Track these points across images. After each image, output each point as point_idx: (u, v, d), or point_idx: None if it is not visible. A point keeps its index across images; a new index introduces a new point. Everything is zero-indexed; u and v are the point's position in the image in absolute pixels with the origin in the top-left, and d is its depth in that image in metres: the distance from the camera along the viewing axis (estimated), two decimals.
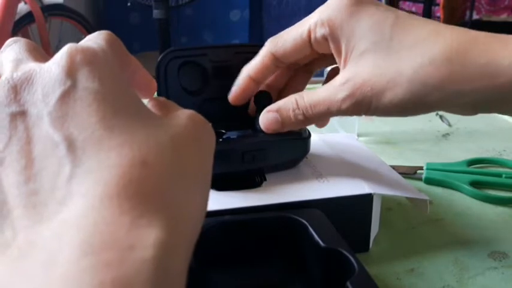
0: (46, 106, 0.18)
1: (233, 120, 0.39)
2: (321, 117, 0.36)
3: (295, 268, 0.34)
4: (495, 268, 0.37)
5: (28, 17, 2.21)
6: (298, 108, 0.36)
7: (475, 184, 0.50)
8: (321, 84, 0.38)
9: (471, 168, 0.54)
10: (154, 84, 0.26)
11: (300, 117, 0.36)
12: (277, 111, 0.36)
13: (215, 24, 3.46)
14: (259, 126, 0.37)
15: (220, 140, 0.37)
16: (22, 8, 2.19)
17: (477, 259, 0.38)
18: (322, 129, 0.59)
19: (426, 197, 0.39)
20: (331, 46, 0.35)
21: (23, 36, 2.22)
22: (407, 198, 0.40)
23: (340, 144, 0.46)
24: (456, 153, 0.59)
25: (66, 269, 0.14)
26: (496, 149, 0.61)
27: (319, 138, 0.47)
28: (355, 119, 0.62)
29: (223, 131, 0.38)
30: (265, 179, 0.38)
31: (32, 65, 0.20)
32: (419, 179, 0.52)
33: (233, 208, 0.34)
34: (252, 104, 0.41)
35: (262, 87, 0.40)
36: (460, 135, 0.66)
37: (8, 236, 0.17)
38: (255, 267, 0.34)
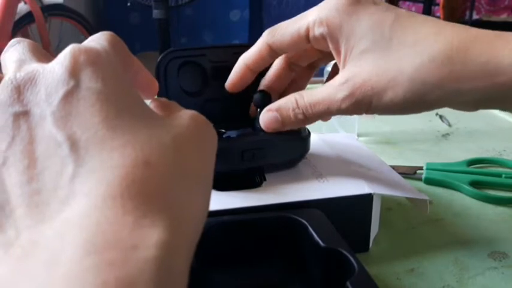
0: (49, 106, 0.18)
1: (233, 121, 0.39)
2: (321, 117, 0.36)
3: (295, 268, 0.34)
4: (495, 268, 0.37)
5: (28, 17, 2.21)
6: (298, 108, 0.36)
7: (475, 184, 0.50)
8: (321, 84, 0.38)
9: (471, 168, 0.54)
10: (156, 85, 0.26)
11: (300, 116, 0.36)
12: (277, 110, 0.36)
13: (215, 24, 3.46)
14: (259, 126, 0.37)
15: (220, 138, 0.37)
16: (22, 8, 2.19)
17: (477, 259, 0.39)
18: (322, 129, 0.59)
19: (426, 197, 0.39)
20: (330, 45, 0.35)
21: (23, 36, 2.22)
22: (407, 198, 0.40)
23: (340, 144, 0.46)
24: (456, 153, 0.59)
25: (69, 268, 0.14)
26: (496, 149, 0.61)
27: (319, 138, 0.47)
28: (355, 119, 0.62)
29: (223, 131, 0.38)
30: (265, 179, 0.38)
31: (35, 66, 0.20)
32: (419, 179, 0.52)
33: (233, 208, 0.34)
34: (253, 106, 0.41)
35: (264, 88, 0.40)
36: (460, 135, 0.66)
37: (10, 236, 0.17)
38: (255, 267, 0.34)
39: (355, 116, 0.60)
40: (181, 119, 0.21)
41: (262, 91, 0.40)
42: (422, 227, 0.43)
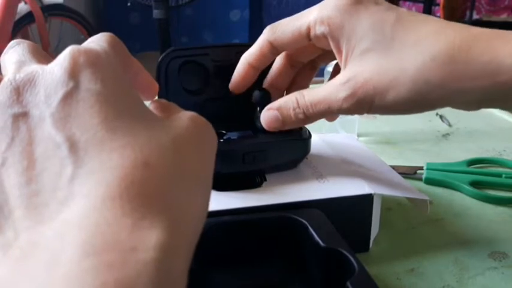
0: (48, 107, 0.18)
1: (234, 121, 0.39)
2: (322, 116, 0.36)
3: (295, 268, 0.34)
4: (495, 268, 0.37)
5: (28, 17, 2.21)
6: (299, 107, 0.36)
7: (475, 184, 0.50)
8: (322, 84, 0.38)
9: (471, 168, 0.54)
10: (156, 86, 0.26)
11: (301, 116, 0.36)
12: (278, 109, 0.36)
13: (215, 24, 3.46)
14: (259, 125, 0.37)
15: (221, 140, 0.37)
16: (22, 8, 2.19)
17: (477, 259, 0.39)
18: (322, 129, 0.59)
19: (426, 197, 0.39)
20: (331, 44, 0.35)
21: (23, 36, 2.22)
22: (407, 198, 0.40)
23: (341, 145, 0.46)
24: (456, 153, 0.59)
25: (68, 269, 0.14)
26: (496, 149, 0.61)
27: (319, 139, 0.47)
28: (355, 119, 0.62)
29: (224, 132, 0.38)
30: (265, 179, 0.38)
31: (34, 67, 0.20)
32: (419, 179, 0.52)
33: (233, 208, 0.34)
34: None
35: (267, 86, 0.40)
36: (460, 135, 0.66)
37: (9, 237, 0.17)
38: (255, 267, 0.34)
39: (355, 116, 0.60)
40: (180, 121, 0.21)
41: (261, 89, 0.40)
42: (422, 227, 0.43)
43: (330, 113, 0.35)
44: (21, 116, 0.19)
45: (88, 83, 0.19)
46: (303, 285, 0.33)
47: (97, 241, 0.15)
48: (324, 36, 0.35)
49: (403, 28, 0.32)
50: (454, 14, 2.66)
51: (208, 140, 0.22)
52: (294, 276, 0.34)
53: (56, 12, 2.37)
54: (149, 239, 0.15)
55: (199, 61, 0.40)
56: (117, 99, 0.19)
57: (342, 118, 0.61)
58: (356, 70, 0.33)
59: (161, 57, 0.39)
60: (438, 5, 2.74)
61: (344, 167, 0.41)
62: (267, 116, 0.37)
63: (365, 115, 0.35)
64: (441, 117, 0.72)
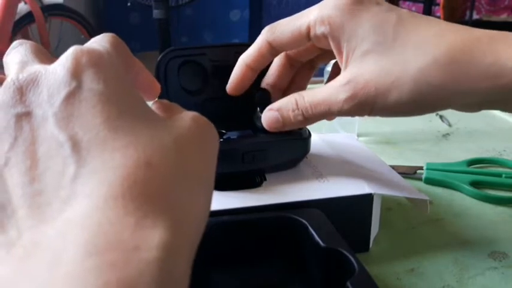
0: (51, 107, 0.19)
1: (233, 120, 0.39)
2: (322, 118, 0.36)
3: (295, 268, 0.34)
4: (495, 268, 0.37)
5: (28, 17, 2.21)
6: (298, 109, 0.35)
7: (475, 184, 0.50)
8: (321, 84, 0.38)
9: (471, 168, 0.54)
10: (158, 86, 0.27)
11: (300, 117, 0.36)
12: (278, 110, 0.36)
13: (215, 24, 3.46)
14: (259, 124, 0.37)
15: (221, 140, 0.37)
16: (22, 8, 2.19)
17: (477, 259, 0.39)
18: (322, 129, 0.59)
19: (426, 197, 0.39)
20: (332, 44, 0.34)
21: (23, 36, 2.22)
22: (407, 198, 0.40)
23: (340, 144, 0.46)
24: (456, 153, 0.59)
25: (70, 268, 0.14)
26: (496, 149, 0.61)
27: (319, 138, 0.47)
28: (355, 119, 0.62)
29: (224, 131, 0.38)
30: (265, 179, 0.38)
31: (37, 67, 0.20)
32: (419, 179, 0.52)
33: (233, 208, 0.34)
34: None
35: (266, 86, 0.40)
36: (460, 135, 0.66)
37: (12, 236, 0.17)
38: (255, 267, 0.34)
39: (355, 116, 0.60)
40: (182, 121, 0.21)
41: (261, 89, 0.40)
42: (422, 227, 0.43)
43: (329, 114, 0.35)
44: (24, 116, 0.19)
45: (90, 82, 0.19)
46: (303, 285, 0.33)
47: (99, 241, 0.15)
48: (324, 36, 0.34)
49: (404, 29, 0.32)
50: (454, 14, 2.66)
51: (211, 139, 0.22)
52: (294, 276, 0.34)
53: (56, 12, 2.37)
54: (152, 238, 0.15)
55: (198, 61, 0.40)
56: (119, 99, 0.19)
57: (341, 118, 0.61)
58: (357, 71, 0.33)
59: (160, 57, 0.39)
60: (438, 5, 2.74)
61: (344, 166, 0.41)
62: (268, 116, 0.37)
63: (365, 115, 0.35)
64: (441, 117, 0.72)
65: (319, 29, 0.34)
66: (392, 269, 0.37)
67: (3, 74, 0.23)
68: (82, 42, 0.23)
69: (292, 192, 0.36)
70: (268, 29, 0.37)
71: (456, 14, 2.72)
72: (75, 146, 0.18)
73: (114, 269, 0.14)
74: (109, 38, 0.23)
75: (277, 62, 0.40)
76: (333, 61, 0.41)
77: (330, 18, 0.34)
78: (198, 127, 0.22)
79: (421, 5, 2.82)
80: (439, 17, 2.55)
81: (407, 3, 3.13)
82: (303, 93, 0.36)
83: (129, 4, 2.51)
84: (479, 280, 0.36)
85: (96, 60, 0.20)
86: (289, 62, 0.40)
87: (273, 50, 0.37)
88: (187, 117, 0.22)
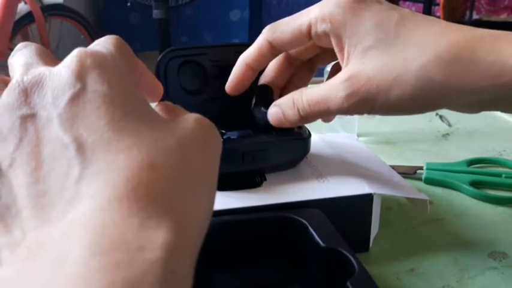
0: (56, 109, 0.19)
1: (233, 120, 0.39)
2: (320, 116, 0.36)
3: (295, 268, 0.34)
4: (495, 268, 0.37)
5: (28, 17, 2.21)
6: (295, 107, 0.35)
7: (475, 184, 0.50)
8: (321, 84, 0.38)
9: (471, 168, 0.54)
10: (161, 87, 0.27)
11: (297, 116, 0.36)
12: (280, 106, 0.37)
13: (215, 24, 3.46)
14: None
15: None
16: (22, 8, 2.19)
17: (477, 259, 0.39)
18: (322, 129, 0.59)
19: (426, 197, 0.39)
20: (333, 42, 0.34)
21: (23, 36, 2.22)
22: (407, 198, 0.40)
23: (340, 144, 0.46)
24: (456, 153, 0.59)
25: (75, 269, 0.14)
26: (496, 149, 0.61)
27: (319, 138, 0.47)
28: (355, 119, 0.62)
29: (224, 131, 0.38)
30: (265, 179, 0.38)
31: (42, 69, 0.20)
32: (419, 179, 0.52)
33: (233, 208, 0.34)
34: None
35: (263, 83, 0.40)
36: (460, 135, 0.66)
37: (17, 236, 0.17)
38: (254, 267, 0.34)
39: (355, 116, 0.60)
40: (186, 122, 0.21)
41: (263, 85, 0.39)
42: (422, 227, 0.43)
43: (328, 113, 0.35)
44: (29, 118, 0.19)
45: (95, 84, 0.19)
46: (303, 285, 0.33)
47: (104, 241, 0.15)
48: (325, 34, 0.34)
49: (406, 28, 0.32)
50: (454, 14, 2.66)
51: (213, 141, 0.22)
52: (293, 276, 0.34)
53: (56, 12, 2.37)
54: (156, 238, 0.15)
55: (198, 61, 0.40)
56: (123, 101, 0.19)
57: (341, 118, 0.61)
58: (358, 68, 0.33)
59: (160, 57, 0.39)
60: (438, 5, 2.74)
61: (344, 166, 0.41)
62: (273, 111, 0.37)
63: (365, 114, 0.35)
64: (441, 117, 0.72)
65: (321, 27, 0.34)
66: (392, 269, 0.37)
67: (4, 75, 0.23)
68: (82, 42, 0.23)
69: (292, 192, 0.36)
70: (268, 29, 0.37)
71: (456, 14, 2.72)
72: (80, 147, 0.18)
73: (119, 269, 0.14)
74: (113, 40, 0.23)
75: (276, 59, 0.40)
76: (332, 63, 0.41)
77: (332, 16, 0.33)
78: (201, 129, 0.22)
79: (421, 5, 2.82)
80: (439, 17, 2.55)
81: (407, 3, 3.14)
82: (302, 90, 0.36)
83: (129, 4, 2.51)
84: (479, 280, 0.36)
85: (100, 62, 0.20)
86: (288, 60, 0.40)
87: (273, 49, 0.37)
88: (191, 119, 0.22)
